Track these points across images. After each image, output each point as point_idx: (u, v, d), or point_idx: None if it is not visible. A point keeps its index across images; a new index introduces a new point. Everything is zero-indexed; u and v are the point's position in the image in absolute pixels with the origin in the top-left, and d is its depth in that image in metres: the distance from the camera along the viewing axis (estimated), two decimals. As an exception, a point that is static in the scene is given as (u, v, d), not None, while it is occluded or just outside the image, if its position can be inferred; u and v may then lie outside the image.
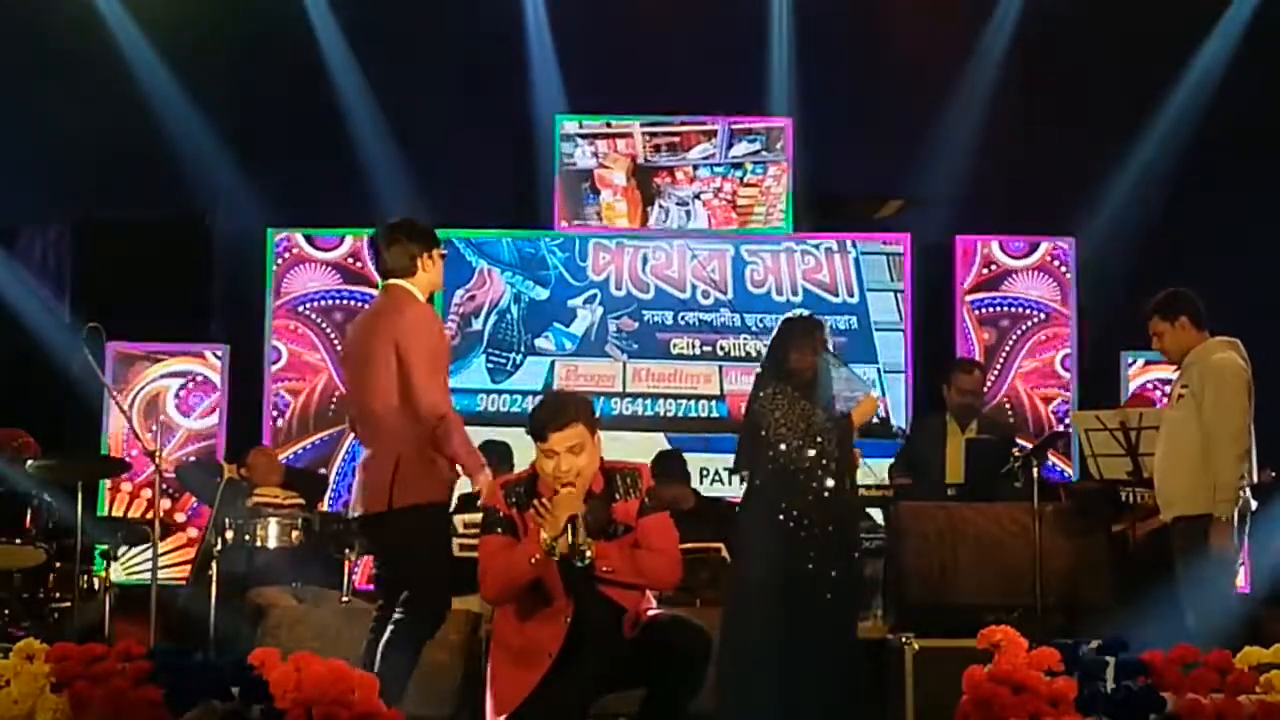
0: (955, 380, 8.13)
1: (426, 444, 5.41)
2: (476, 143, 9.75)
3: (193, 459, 9.29)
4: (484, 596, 4.83)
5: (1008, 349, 9.74)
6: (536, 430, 4.80)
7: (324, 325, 9.75)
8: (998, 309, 9.80)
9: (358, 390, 5.67)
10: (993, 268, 9.80)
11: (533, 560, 4.66)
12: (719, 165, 9.97)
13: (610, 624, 4.77)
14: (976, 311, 9.77)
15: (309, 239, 9.80)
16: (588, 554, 4.67)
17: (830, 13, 9.78)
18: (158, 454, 7.73)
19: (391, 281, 5.68)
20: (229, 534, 7.59)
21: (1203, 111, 9.59)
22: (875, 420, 6.87)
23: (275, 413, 9.67)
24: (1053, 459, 8.25)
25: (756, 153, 9.95)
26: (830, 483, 6.33)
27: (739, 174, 9.98)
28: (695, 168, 9.98)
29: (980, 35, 9.82)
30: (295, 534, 7.67)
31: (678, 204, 9.97)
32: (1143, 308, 6.60)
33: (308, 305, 9.77)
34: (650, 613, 4.88)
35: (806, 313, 6.92)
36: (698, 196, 9.97)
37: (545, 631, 4.74)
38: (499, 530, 4.79)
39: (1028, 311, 9.78)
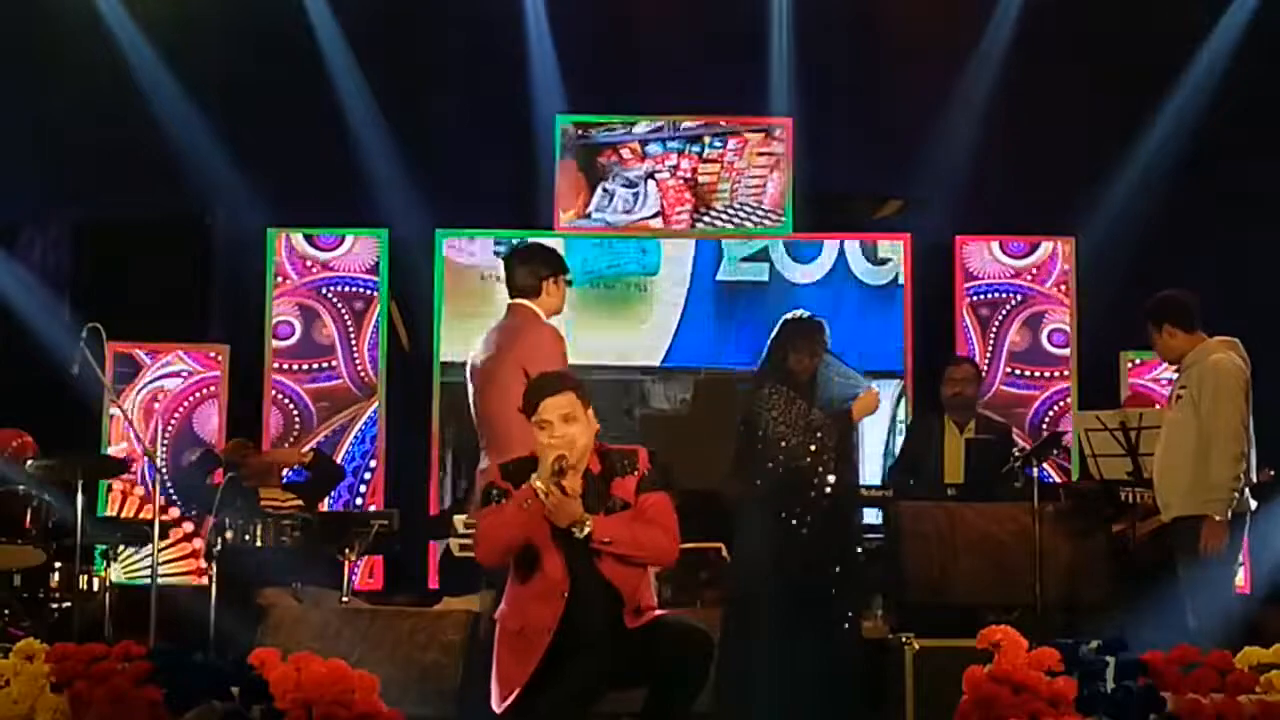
0: (947, 373, 8.16)
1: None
2: (476, 143, 9.74)
3: (184, 465, 9.09)
4: (479, 558, 4.87)
5: (994, 332, 9.71)
6: (530, 403, 4.84)
7: (343, 311, 9.71)
8: (981, 296, 9.76)
9: (481, 403, 6.02)
10: (992, 268, 9.79)
11: (525, 504, 4.68)
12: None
13: (609, 604, 4.80)
14: (970, 298, 9.74)
15: (309, 239, 9.76)
16: (586, 525, 4.71)
17: (830, 13, 9.77)
18: (158, 454, 7.74)
19: (516, 301, 6.01)
20: (229, 534, 7.60)
21: (1203, 111, 9.58)
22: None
23: (287, 403, 9.64)
24: (1049, 469, 8.25)
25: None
26: (831, 479, 6.34)
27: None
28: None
29: (980, 35, 9.81)
30: (295, 534, 7.67)
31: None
32: (1142, 308, 6.61)
33: (329, 289, 9.73)
34: (653, 613, 4.90)
35: (807, 314, 6.91)
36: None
37: (544, 610, 4.76)
38: (496, 501, 4.83)
39: (1006, 296, 9.74)
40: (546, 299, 5.99)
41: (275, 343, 9.65)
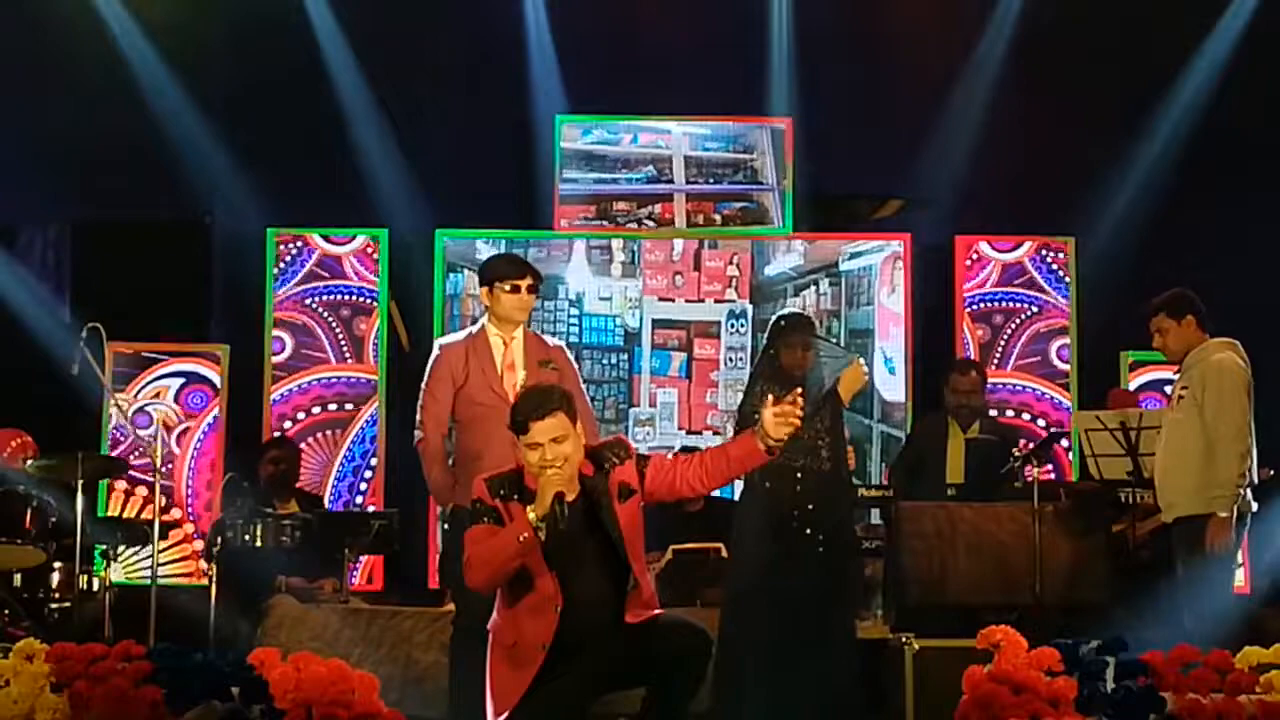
0: (951, 381, 8.14)
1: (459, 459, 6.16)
2: (476, 143, 9.74)
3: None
4: (470, 583, 4.85)
5: (1002, 344, 9.72)
6: (518, 423, 4.81)
7: (330, 320, 9.71)
8: (990, 304, 9.77)
9: None
10: (988, 266, 9.80)
11: (520, 538, 4.68)
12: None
13: (603, 610, 4.81)
14: (970, 309, 9.74)
15: (309, 239, 9.75)
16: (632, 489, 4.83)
17: (830, 13, 9.78)
18: (157, 454, 7.73)
19: None
20: (229, 534, 7.60)
21: (1203, 111, 9.58)
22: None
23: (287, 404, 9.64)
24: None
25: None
26: (826, 455, 6.33)
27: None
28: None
29: (980, 35, 9.82)
30: (295, 534, 7.67)
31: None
32: (1144, 306, 6.61)
33: (315, 299, 9.73)
34: (652, 611, 4.90)
35: (800, 311, 6.92)
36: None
37: (536, 624, 4.76)
38: (485, 520, 4.82)
39: (1021, 305, 9.75)
40: (491, 310, 6.14)
41: (275, 343, 9.64)
